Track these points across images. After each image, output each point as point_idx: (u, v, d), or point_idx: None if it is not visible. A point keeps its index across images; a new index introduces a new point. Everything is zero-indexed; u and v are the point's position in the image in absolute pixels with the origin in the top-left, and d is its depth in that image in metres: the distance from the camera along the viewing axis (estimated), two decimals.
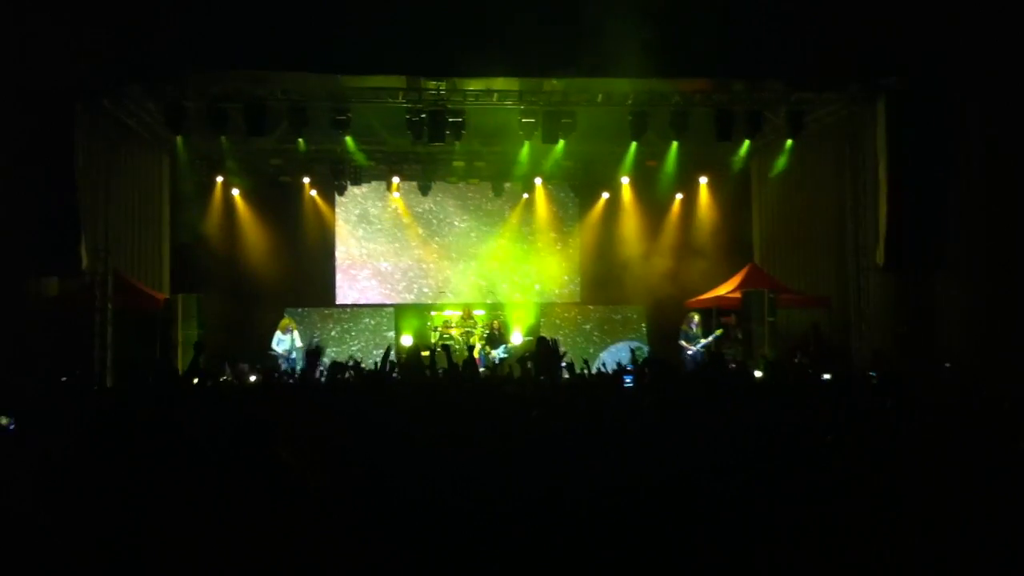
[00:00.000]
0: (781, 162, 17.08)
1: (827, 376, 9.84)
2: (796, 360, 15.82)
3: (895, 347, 15.04)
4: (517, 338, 18.44)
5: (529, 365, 7.40)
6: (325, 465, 3.51)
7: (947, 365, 11.75)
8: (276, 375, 9.89)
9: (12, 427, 5.87)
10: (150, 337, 15.37)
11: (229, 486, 2.86)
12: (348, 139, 16.27)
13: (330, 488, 3.37)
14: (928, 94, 14.16)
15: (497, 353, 16.34)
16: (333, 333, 19.33)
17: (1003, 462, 4.19)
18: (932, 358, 11.36)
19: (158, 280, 17.39)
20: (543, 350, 7.32)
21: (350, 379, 6.86)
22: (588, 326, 19.97)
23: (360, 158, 17.62)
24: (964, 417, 5.44)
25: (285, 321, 17.06)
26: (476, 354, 15.69)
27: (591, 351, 19.00)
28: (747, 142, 16.65)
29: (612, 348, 19.39)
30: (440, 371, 8.23)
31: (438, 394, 5.93)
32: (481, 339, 17.71)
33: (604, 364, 16.01)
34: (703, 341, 16.24)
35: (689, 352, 16.19)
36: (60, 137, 13.07)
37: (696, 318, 16.63)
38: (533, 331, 18.54)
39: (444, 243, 20.24)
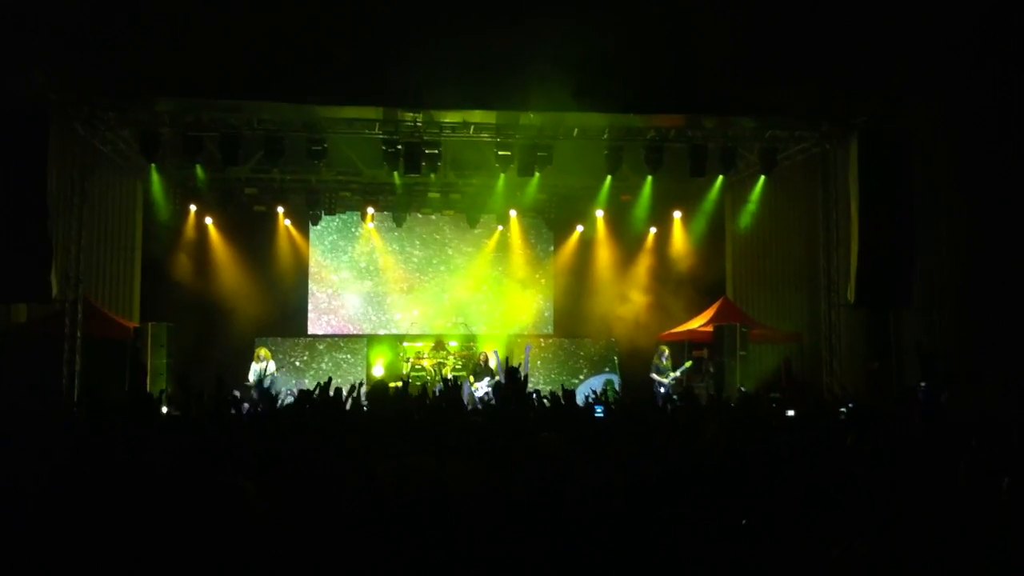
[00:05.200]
0: (754, 199, 17.27)
1: (791, 412, 9.86)
2: (767, 395, 15.85)
3: (865, 383, 15.15)
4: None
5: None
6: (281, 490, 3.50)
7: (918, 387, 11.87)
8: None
9: None
10: (120, 365, 15.21)
11: (186, 511, 2.83)
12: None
13: (285, 511, 3.35)
14: (899, 134, 14.38)
15: (481, 386, 16.08)
16: (298, 364, 19.18)
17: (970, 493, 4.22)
18: (900, 393, 11.47)
19: (128, 308, 17.24)
20: (511, 382, 7.31)
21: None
22: (561, 358, 19.99)
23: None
24: (930, 452, 5.47)
25: (260, 351, 16.80)
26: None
27: (571, 382, 18.95)
28: (720, 178, 16.84)
29: (591, 380, 19.37)
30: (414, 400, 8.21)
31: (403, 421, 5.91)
32: (453, 370, 17.60)
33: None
34: (673, 374, 16.26)
35: (660, 385, 16.21)
36: (32, 162, 12.97)
37: (666, 351, 16.65)
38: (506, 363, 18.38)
39: (417, 274, 20.23)
